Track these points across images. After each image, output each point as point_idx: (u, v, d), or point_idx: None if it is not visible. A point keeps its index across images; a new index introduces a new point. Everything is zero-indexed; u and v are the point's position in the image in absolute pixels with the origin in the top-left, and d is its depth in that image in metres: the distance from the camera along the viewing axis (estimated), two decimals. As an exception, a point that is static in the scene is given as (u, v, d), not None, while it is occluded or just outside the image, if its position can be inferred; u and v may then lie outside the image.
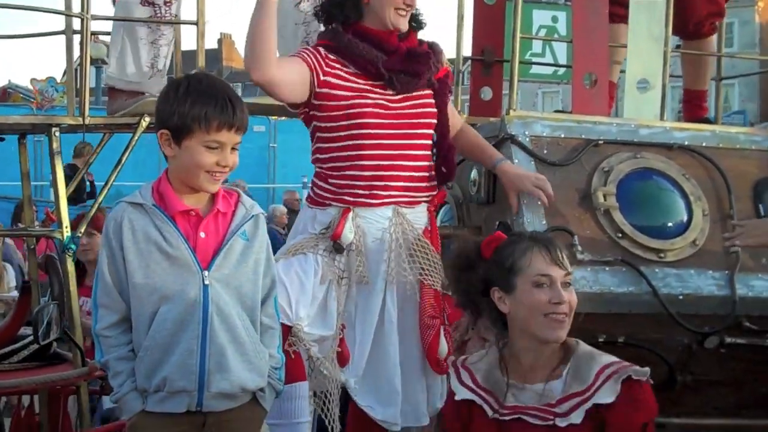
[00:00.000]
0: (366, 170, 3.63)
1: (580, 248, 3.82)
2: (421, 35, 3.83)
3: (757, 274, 4.00)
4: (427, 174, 3.75)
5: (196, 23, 4.20)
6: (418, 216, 3.73)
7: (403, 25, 3.69)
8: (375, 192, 3.64)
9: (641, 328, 3.88)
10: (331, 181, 3.67)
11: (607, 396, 2.76)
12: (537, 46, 8.92)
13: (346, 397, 3.73)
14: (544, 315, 2.84)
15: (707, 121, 4.97)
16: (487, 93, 4.75)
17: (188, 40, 4.40)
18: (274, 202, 14.98)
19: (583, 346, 2.93)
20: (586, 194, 3.99)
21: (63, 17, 4.11)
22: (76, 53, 4.14)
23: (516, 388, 2.88)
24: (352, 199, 3.64)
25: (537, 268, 2.88)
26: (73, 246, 4.07)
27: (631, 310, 3.84)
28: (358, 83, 3.65)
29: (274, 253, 3.14)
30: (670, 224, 4.04)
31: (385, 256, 3.65)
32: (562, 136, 4.13)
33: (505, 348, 2.97)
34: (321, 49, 3.66)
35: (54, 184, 4.10)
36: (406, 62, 3.69)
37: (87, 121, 4.11)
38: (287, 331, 3.42)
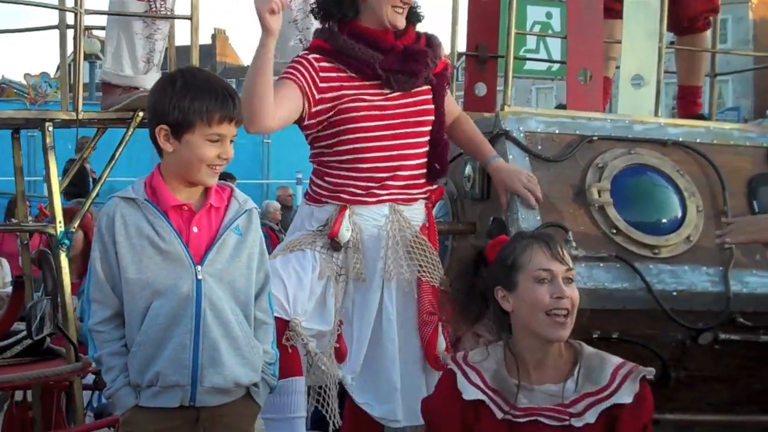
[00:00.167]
0: (362, 171, 3.63)
1: (574, 244, 3.81)
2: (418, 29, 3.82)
3: (751, 271, 4.00)
4: (424, 172, 3.75)
5: (190, 18, 4.20)
6: (415, 213, 3.73)
7: (401, 23, 3.67)
8: (372, 191, 3.64)
9: (635, 324, 3.88)
10: (327, 179, 3.67)
11: (626, 396, 2.80)
12: (531, 42, 8.92)
13: (343, 393, 3.73)
14: (546, 313, 2.83)
15: (701, 117, 4.97)
16: (481, 89, 4.75)
17: (181, 36, 4.40)
18: (268, 198, 14.95)
19: (588, 347, 2.94)
20: (581, 190, 3.99)
21: (57, 12, 4.10)
22: (70, 48, 4.13)
23: (525, 389, 2.87)
24: (348, 197, 3.64)
25: (537, 263, 2.88)
26: (66, 241, 4.06)
27: (625, 306, 3.84)
28: (353, 85, 3.64)
29: (269, 249, 3.14)
30: (664, 220, 4.04)
31: (382, 253, 3.65)
32: (557, 132, 4.13)
33: (507, 347, 2.95)
34: (314, 62, 3.61)
35: (47, 179, 4.09)
36: (402, 62, 3.66)
37: (80, 116, 4.10)
38: (285, 325, 3.42)
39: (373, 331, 3.65)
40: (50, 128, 4.07)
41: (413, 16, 3.74)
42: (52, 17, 4.18)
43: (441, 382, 3.07)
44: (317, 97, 3.59)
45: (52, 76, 20.06)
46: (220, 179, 2.92)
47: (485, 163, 3.94)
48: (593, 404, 2.81)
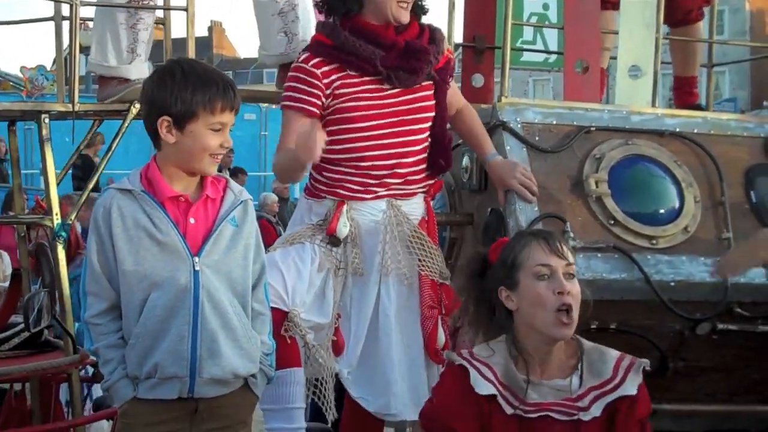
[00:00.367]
0: (361, 168, 3.63)
1: (572, 235, 3.82)
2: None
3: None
4: (423, 167, 3.73)
5: (185, 9, 4.18)
6: (414, 207, 3.73)
7: (405, 18, 3.63)
8: (370, 188, 3.64)
9: (633, 314, 3.88)
10: (325, 174, 3.67)
11: (631, 387, 2.82)
12: (528, 33, 8.90)
13: (341, 385, 3.73)
14: (552, 312, 2.82)
15: (699, 107, 4.97)
16: (478, 80, 4.74)
17: (177, 28, 4.38)
18: (266, 190, 14.92)
19: (586, 341, 2.94)
20: (578, 181, 3.99)
21: (52, 3, 4.09)
22: (66, 40, 4.12)
23: (534, 384, 2.86)
24: (346, 192, 3.63)
25: (536, 259, 2.87)
26: (63, 233, 4.06)
27: (623, 297, 3.84)
28: (353, 83, 3.63)
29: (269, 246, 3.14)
30: (661, 211, 4.04)
31: (379, 248, 3.65)
32: (554, 122, 4.12)
33: (512, 345, 2.92)
34: (314, 69, 3.60)
35: (44, 171, 4.09)
36: (403, 59, 3.63)
37: (77, 108, 4.09)
38: (283, 317, 3.42)
39: (370, 326, 3.65)
40: (46, 120, 4.06)
41: (417, 9, 3.72)
42: (48, 9, 4.17)
43: (447, 378, 2.96)
44: (330, 109, 3.62)
45: (48, 69, 20.02)
46: (231, 174, 2.92)
47: (483, 161, 3.94)
48: (599, 397, 2.82)
